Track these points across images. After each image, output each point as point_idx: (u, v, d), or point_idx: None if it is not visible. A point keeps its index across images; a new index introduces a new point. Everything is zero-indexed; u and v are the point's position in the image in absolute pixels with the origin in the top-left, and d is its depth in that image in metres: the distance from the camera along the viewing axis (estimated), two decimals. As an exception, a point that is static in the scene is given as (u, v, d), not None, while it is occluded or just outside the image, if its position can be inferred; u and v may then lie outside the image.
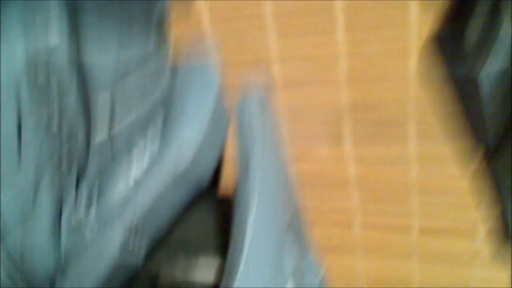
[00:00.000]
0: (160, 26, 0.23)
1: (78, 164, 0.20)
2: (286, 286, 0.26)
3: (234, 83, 0.87)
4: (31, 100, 0.18)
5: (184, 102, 0.26)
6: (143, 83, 0.22)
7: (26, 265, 0.19)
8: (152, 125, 0.24)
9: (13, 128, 0.17)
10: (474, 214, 0.66)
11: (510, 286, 0.19)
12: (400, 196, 0.86)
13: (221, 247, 0.25)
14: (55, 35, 0.18)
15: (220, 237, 0.25)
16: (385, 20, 0.72)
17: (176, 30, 0.23)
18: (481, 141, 0.24)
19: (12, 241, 0.19)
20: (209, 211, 0.27)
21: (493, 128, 0.22)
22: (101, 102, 0.20)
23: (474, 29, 0.22)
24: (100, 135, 0.21)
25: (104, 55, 0.20)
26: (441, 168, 0.70)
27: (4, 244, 0.19)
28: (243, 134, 0.26)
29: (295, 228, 0.29)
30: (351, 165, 0.86)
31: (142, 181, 0.23)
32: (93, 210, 0.23)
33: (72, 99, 0.19)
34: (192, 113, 0.25)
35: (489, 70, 0.21)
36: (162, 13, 0.21)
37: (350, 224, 0.93)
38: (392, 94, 0.78)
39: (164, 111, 0.25)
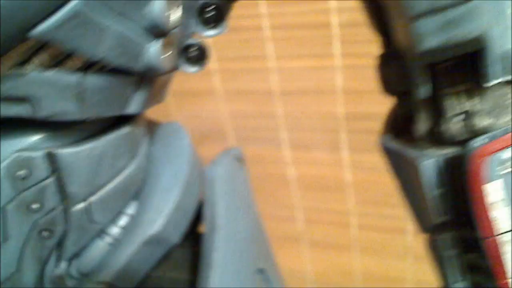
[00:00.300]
0: (133, 116, 0.25)
1: (58, 229, 0.24)
2: None
3: (234, 90, 0.90)
4: (12, 188, 0.21)
5: (159, 172, 0.29)
6: (118, 160, 0.25)
7: None
8: (128, 194, 0.27)
9: None
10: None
11: None
12: (395, 200, 0.89)
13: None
14: (35, 136, 0.22)
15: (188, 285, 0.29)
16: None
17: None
18: (424, 219, 0.26)
19: None
20: (180, 264, 0.30)
21: (434, 210, 0.24)
22: (76, 184, 0.23)
23: (422, 123, 0.24)
24: (77, 207, 0.24)
25: (81, 149, 0.23)
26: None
27: None
28: (212, 195, 0.29)
29: (266, 274, 0.32)
30: (348, 171, 0.89)
31: (119, 240, 0.27)
32: (74, 264, 0.26)
33: (50, 183, 0.22)
34: (167, 182, 0.28)
35: (432, 159, 0.23)
36: (138, 106, 0.24)
37: (347, 224, 0.96)
38: (386, 104, 0.80)
39: (141, 181, 0.28)
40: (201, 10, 0.24)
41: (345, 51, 0.77)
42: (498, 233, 0.20)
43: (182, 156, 0.29)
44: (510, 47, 0.20)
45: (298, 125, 0.89)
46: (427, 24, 0.19)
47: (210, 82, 0.89)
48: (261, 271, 0.31)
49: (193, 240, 0.30)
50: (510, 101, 0.22)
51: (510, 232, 0.20)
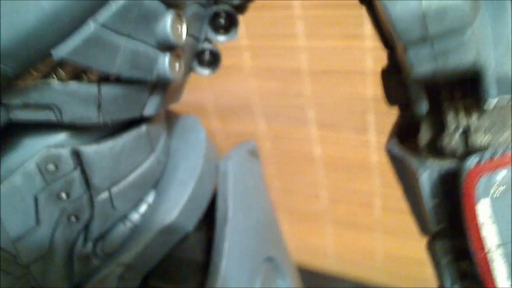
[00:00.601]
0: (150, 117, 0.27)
1: (84, 215, 0.27)
2: None
3: (263, 67, 0.90)
4: (43, 180, 0.24)
5: (176, 165, 0.31)
6: (136, 155, 0.27)
7: (47, 285, 0.27)
8: (147, 184, 0.29)
9: (30, 200, 0.23)
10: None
11: None
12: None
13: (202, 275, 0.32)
14: (61, 134, 0.24)
15: (200, 271, 0.32)
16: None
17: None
18: (423, 224, 0.27)
19: (35, 269, 0.26)
20: (195, 248, 0.33)
21: (432, 218, 0.25)
22: (98, 176, 0.26)
23: (424, 134, 0.25)
24: (100, 196, 0.26)
25: (102, 146, 0.25)
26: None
27: (29, 272, 0.26)
28: (224, 189, 0.31)
29: (274, 262, 0.34)
30: (374, 152, 0.89)
31: (139, 225, 0.29)
32: (99, 245, 0.29)
33: (76, 176, 0.24)
34: (182, 175, 0.30)
35: (432, 171, 0.24)
36: (154, 109, 0.26)
37: (371, 205, 0.96)
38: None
39: (159, 173, 0.30)
40: (213, 18, 0.25)
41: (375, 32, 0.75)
42: (488, 250, 0.21)
43: (198, 150, 0.31)
44: (509, 68, 0.20)
45: (325, 104, 0.89)
46: (418, 53, 0.19)
47: (240, 58, 0.89)
48: (270, 259, 0.33)
49: (208, 226, 0.33)
50: (508, 118, 0.22)
51: (498, 249, 0.21)
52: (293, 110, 0.92)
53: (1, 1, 0.16)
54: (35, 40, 0.17)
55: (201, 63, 0.27)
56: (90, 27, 0.18)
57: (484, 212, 0.21)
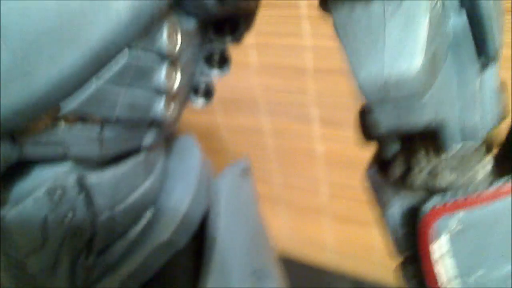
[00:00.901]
0: (149, 148, 0.29)
1: (87, 233, 0.29)
2: None
3: (268, 65, 0.92)
4: (51, 203, 0.26)
5: (173, 185, 0.33)
6: (136, 179, 0.30)
7: None
8: (146, 203, 0.32)
9: (39, 222, 0.26)
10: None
11: None
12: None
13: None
14: (67, 162, 0.27)
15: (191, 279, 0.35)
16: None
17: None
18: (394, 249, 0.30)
19: (40, 278, 0.29)
20: (188, 254, 0.36)
21: (398, 247, 0.27)
22: (101, 200, 0.28)
23: (396, 168, 0.27)
24: (103, 215, 0.28)
25: (104, 173, 0.27)
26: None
27: (35, 280, 0.29)
28: (215, 208, 0.33)
29: (262, 273, 0.37)
30: (374, 151, 0.91)
31: (137, 241, 0.32)
32: (100, 258, 0.32)
33: (81, 199, 0.27)
34: (178, 195, 0.32)
35: (398, 207, 0.25)
36: (151, 141, 0.28)
37: (369, 201, 0.99)
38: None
39: (157, 190, 0.33)
40: (208, 56, 0.28)
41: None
42: (442, 283, 0.23)
43: (193, 173, 0.33)
44: (471, 120, 0.22)
45: (328, 103, 0.90)
46: (381, 111, 0.21)
47: (246, 55, 0.91)
48: (257, 271, 0.36)
49: (201, 236, 0.36)
50: (471, 160, 0.24)
51: (454, 280, 0.23)
52: (296, 108, 0.94)
53: (11, 69, 0.18)
54: (44, 101, 0.19)
55: (196, 93, 0.29)
56: (93, 85, 0.20)
57: (439, 250, 0.23)
